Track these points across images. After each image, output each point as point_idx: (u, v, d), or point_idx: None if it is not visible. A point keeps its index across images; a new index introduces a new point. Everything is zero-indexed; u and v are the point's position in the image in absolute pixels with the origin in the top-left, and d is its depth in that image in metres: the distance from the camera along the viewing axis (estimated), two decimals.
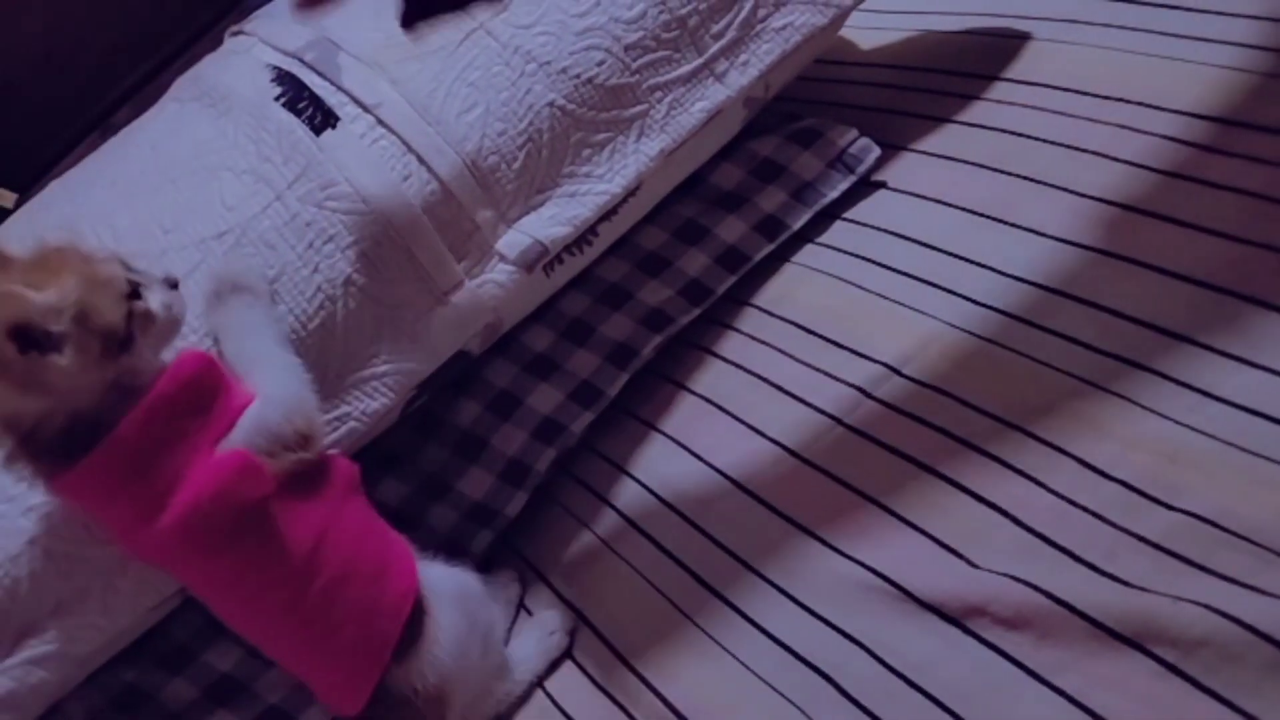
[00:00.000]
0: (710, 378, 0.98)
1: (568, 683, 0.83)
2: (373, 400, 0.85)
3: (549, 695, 0.83)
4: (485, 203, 0.88)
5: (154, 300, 0.72)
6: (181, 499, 0.70)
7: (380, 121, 0.86)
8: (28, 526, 0.76)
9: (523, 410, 0.96)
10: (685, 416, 0.97)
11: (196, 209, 0.86)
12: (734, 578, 0.82)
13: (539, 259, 0.89)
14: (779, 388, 0.92)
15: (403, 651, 0.76)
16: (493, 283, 0.88)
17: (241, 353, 0.78)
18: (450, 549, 0.92)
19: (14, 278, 0.66)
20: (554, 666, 0.85)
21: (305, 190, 0.84)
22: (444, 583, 0.81)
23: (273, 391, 0.76)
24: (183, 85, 1.04)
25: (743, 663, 0.77)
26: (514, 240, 0.89)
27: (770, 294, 1.01)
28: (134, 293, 0.70)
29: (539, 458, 0.96)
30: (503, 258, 0.88)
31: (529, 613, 0.91)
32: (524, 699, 0.84)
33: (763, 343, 0.97)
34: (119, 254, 0.74)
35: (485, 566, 0.93)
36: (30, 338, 0.64)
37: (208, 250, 0.83)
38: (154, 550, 0.73)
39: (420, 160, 0.86)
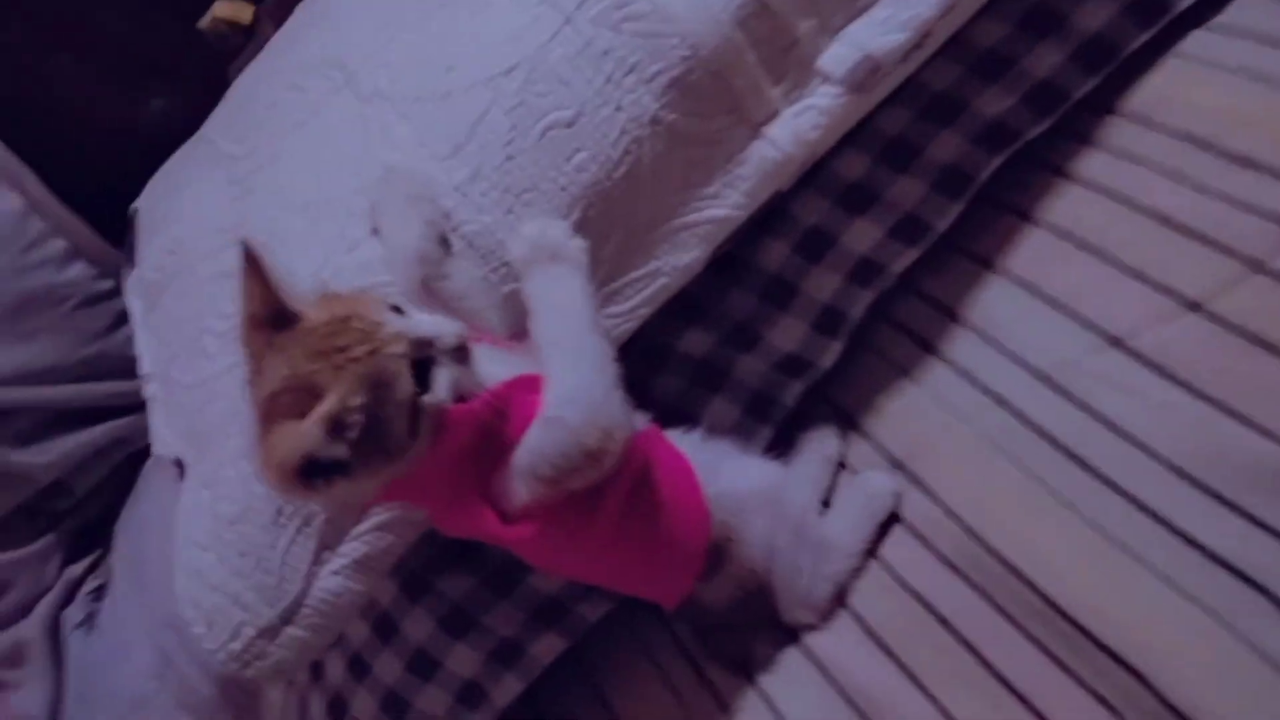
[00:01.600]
0: (1067, 207, 0.82)
1: (911, 557, 0.76)
2: (684, 253, 0.76)
3: (892, 571, 0.76)
4: (805, 9, 0.72)
5: (441, 383, 0.61)
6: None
7: None
8: None
9: (836, 250, 0.84)
10: (1034, 255, 0.82)
11: (475, 41, 0.76)
12: (1105, 447, 0.70)
13: (869, 76, 0.73)
14: (1165, 219, 0.75)
15: (711, 572, 0.74)
16: (814, 109, 0.74)
17: (546, 333, 0.67)
18: (759, 402, 0.85)
19: (294, 364, 0.57)
20: (884, 533, 0.79)
21: (597, 10, 0.72)
22: (745, 490, 0.76)
23: (569, 393, 0.65)
24: None
25: (1137, 556, 0.66)
26: (839, 55, 0.73)
27: (1147, 98, 0.81)
28: (422, 377, 0.60)
29: (855, 303, 0.85)
30: (826, 78, 0.74)
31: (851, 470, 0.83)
32: (860, 571, 0.78)
33: (1138, 161, 0.79)
34: (404, 309, 0.62)
35: (797, 419, 0.86)
36: (314, 470, 0.57)
37: (498, 91, 0.73)
38: None
39: None
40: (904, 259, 0.84)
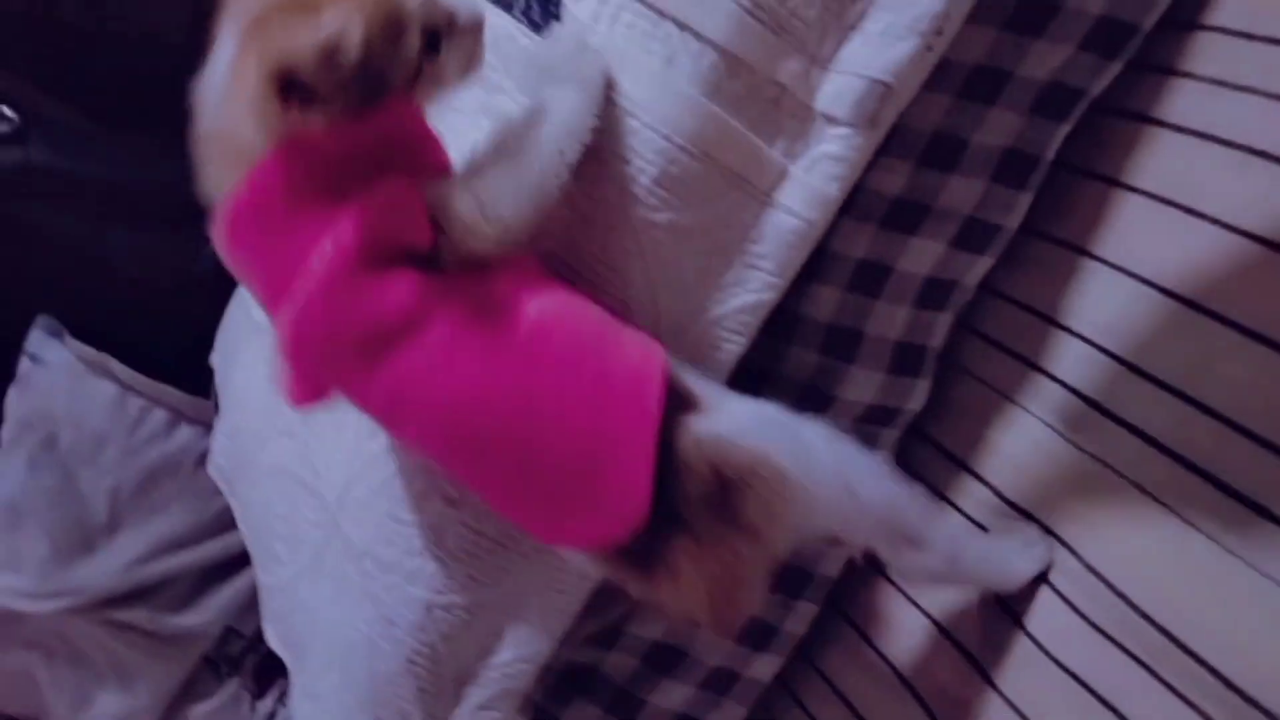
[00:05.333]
0: (1155, 160, 0.68)
1: (1058, 626, 0.67)
2: (720, 350, 0.68)
3: (1038, 643, 0.67)
4: (784, 51, 0.61)
5: (454, 58, 0.56)
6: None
7: None
8: (418, 594, 0.72)
9: (895, 279, 0.73)
10: (1125, 225, 0.68)
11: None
12: (1269, 471, 0.58)
13: (882, 103, 0.62)
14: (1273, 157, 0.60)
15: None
16: (827, 157, 0.63)
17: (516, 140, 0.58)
18: None
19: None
20: (1027, 598, 0.69)
21: None
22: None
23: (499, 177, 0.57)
24: None
25: None
26: (839, 88, 0.62)
27: (1240, 4, 0.65)
28: (430, 42, 0.54)
29: (932, 331, 0.75)
30: (831, 119, 0.62)
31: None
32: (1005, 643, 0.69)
33: (1239, 88, 0.63)
34: None
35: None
36: (291, 86, 0.50)
37: None
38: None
39: (681, 27, 0.60)
40: (976, 269, 0.73)
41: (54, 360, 1.19)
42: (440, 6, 0.54)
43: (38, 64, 1.17)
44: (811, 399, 0.76)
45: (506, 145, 0.58)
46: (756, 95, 0.62)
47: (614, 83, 0.61)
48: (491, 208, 0.56)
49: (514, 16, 0.66)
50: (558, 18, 0.64)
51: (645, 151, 0.62)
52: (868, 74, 0.61)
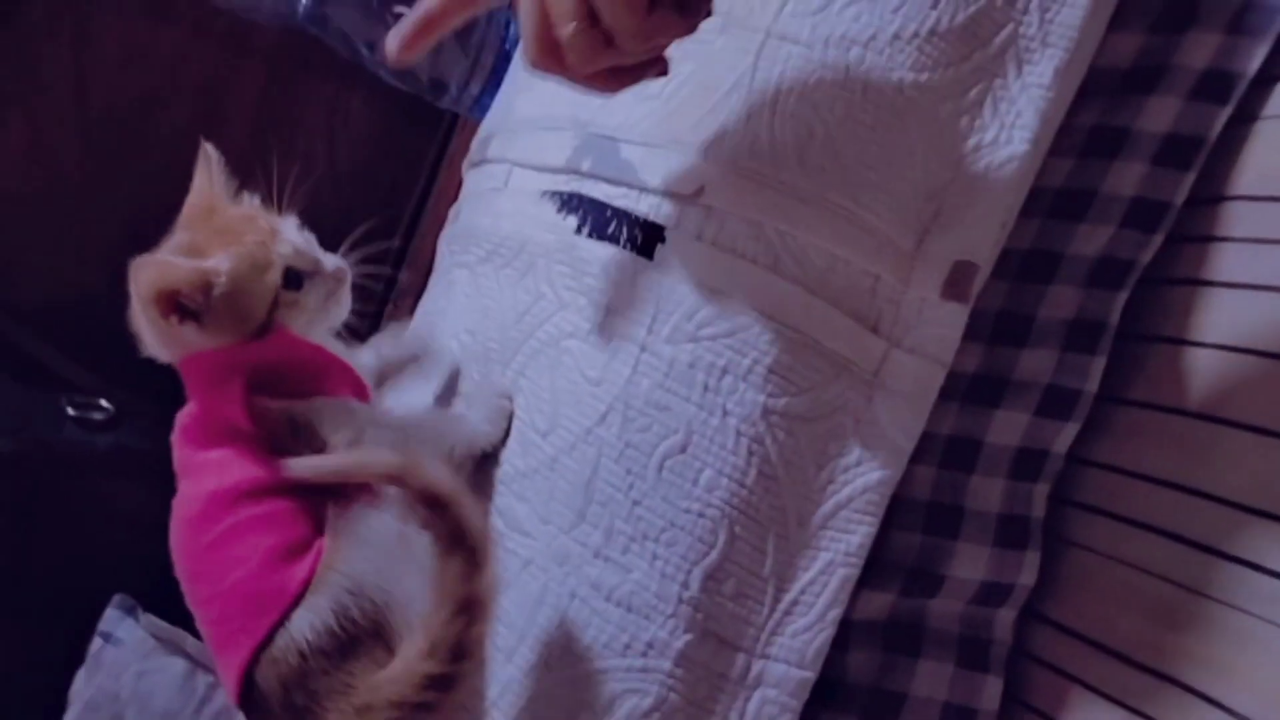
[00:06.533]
0: (1211, 317, 0.73)
1: None
2: (851, 535, 0.69)
3: None
4: (879, 247, 0.68)
5: (313, 295, 0.73)
6: None
7: (712, 210, 0.69)
8: None
9: (987, 451, 0.75)
10: (1204, 379, 0.72)
11: (562, 396, 0.73)
12: None
13: (972, 279, 0.68)
14: None
15: None
16: (928, 336, 0.69)
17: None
18: (969, 649, 0.75)
19: (196, 236, 0.70)
20: None
21: (669, 329, 0.69)
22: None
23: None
24: (457, 245, 0.93)
25: None
26: (932, 271, 0.68)
27: (1255, 173, 0.73)
28: (291, 281, 0.71)
29: (1031, 502, 0.76)
30: (924, 299, 0.68)
31: (1117, 703, 0.71)
32: None
33: (1274, 241, 0.70)
34: (303, 231, 0.75)
35: (1016, 657, 0.75)
36: (174, 305, 0.67)
37: (600, 442, 0.71)
38: None
39: (779, 233, 0.67)
40: (1064, 436, 0.76)
41: (126, 638, 1.17)
42: (307, 256, 0.73)
43: (130, 364, 1.27)
44: (921, 582, 0.75)
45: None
46: (853, 285, 0.68)
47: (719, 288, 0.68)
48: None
49: (615, 244, 0.74)
50: (663, 240, 0.71)
51: (758, 344, 0.67)
52: (955, 256, 0.68)
